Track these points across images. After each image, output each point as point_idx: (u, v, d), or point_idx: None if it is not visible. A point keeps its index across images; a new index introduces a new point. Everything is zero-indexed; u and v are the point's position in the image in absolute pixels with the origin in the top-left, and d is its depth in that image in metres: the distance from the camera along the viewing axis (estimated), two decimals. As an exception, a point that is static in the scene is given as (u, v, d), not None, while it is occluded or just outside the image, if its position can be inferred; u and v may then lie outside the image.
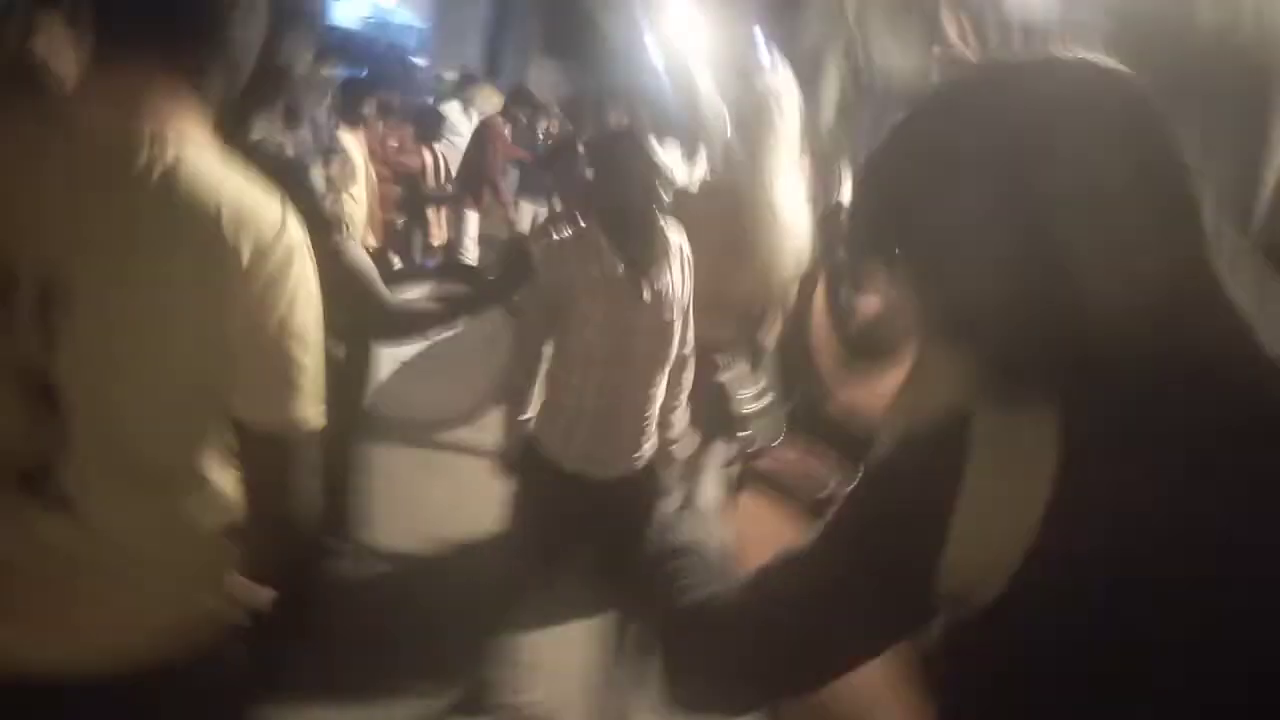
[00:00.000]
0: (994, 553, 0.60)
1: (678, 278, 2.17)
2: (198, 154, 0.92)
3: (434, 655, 2.59)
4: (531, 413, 2.19)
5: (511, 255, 2.07)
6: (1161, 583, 0.58)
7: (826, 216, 2.43)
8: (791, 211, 2.82)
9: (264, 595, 1.30)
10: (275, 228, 0.93)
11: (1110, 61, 0.65)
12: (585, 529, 2.17)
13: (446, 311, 1.79)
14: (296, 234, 0.96)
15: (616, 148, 2.14)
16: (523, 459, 2.18)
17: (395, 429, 3.04)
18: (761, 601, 0.71)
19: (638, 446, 2.21)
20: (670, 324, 2.15)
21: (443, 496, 3.56)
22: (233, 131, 1.03)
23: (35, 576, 0.95)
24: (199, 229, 0.89)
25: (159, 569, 1.01)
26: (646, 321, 2.11)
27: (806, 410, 2.04)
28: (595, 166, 2.27)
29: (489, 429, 4.06)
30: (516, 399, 2.19)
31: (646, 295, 2.09)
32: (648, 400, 2.18)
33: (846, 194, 3.04)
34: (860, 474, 0.71)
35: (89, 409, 0.91)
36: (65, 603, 0.96)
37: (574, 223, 2.35)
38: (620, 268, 2.06)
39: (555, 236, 2.31)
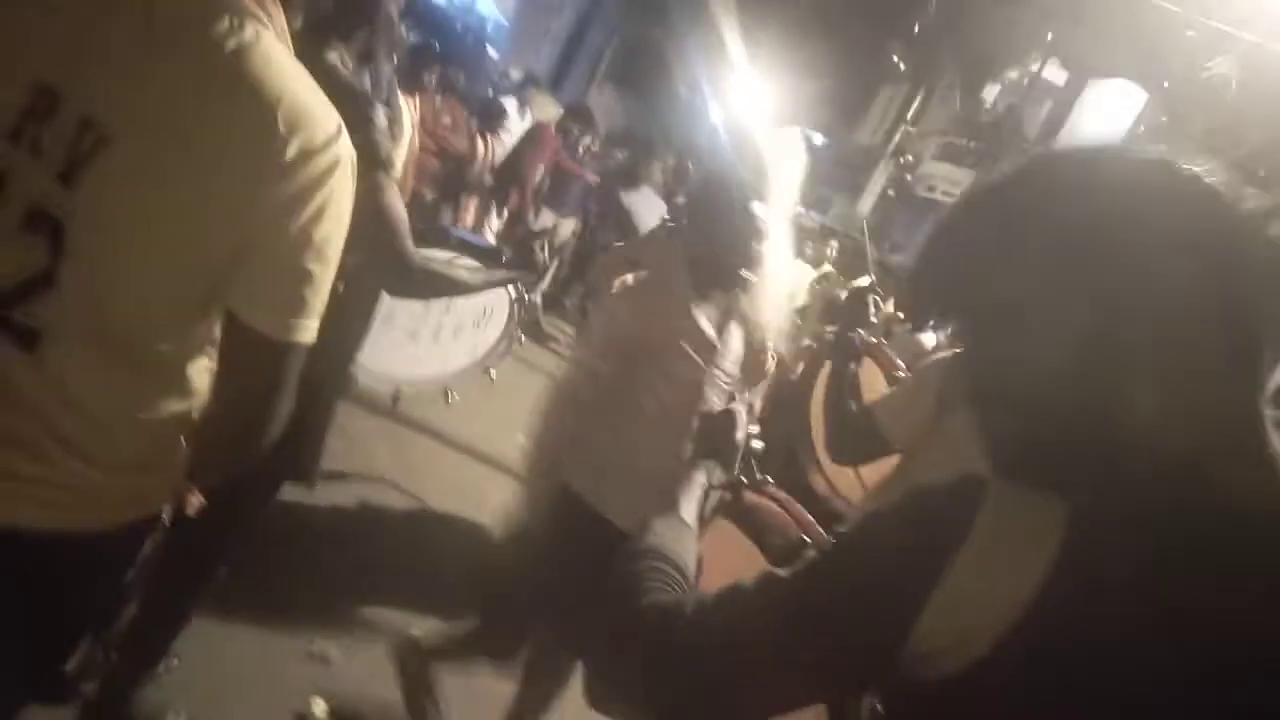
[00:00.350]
0: (976, 619, 0.59)
1: (739, 334, 2.09)
2: (274, 48, 0.92)
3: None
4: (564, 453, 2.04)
5: (528, 249, 2.04)
6: (1144, 685, 0.56)
7: (855, 296, 2.43)
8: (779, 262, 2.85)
9: (195, 502, 1.27)
10: (328, 136, 0.92)
11: (1193, 168, 0.63)
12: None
13: (464, 281, 1.77)
14: (346, 150, 0.95)
15: (722, 195, 2.02)
16: (558, 502, 2.00)
17: (365, 381, 3.02)
18: (725, 623, 0.69)
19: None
20: (730, 380, 2.06)
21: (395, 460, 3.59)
22: (308, 48, 1.03)
23: None
24: (256, 110, 0.88)
25: (111, 447, 0.98)
26: (716, 377, 2.02)
27: (791, 470, 2.03)
28: (697, 211, 2.11)
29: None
30: (556, 440, 2.04)
31: (723, 351, 2.01)
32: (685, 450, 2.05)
33: (866, 281, 3.06)
34: (848, 525, 0.70)
35: (88, 259, 0.89)
36: (11, 450, 0.93)
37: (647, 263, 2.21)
38: (706, 325, 1.98)
39: (627, 280, 2.17)
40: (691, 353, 1.96)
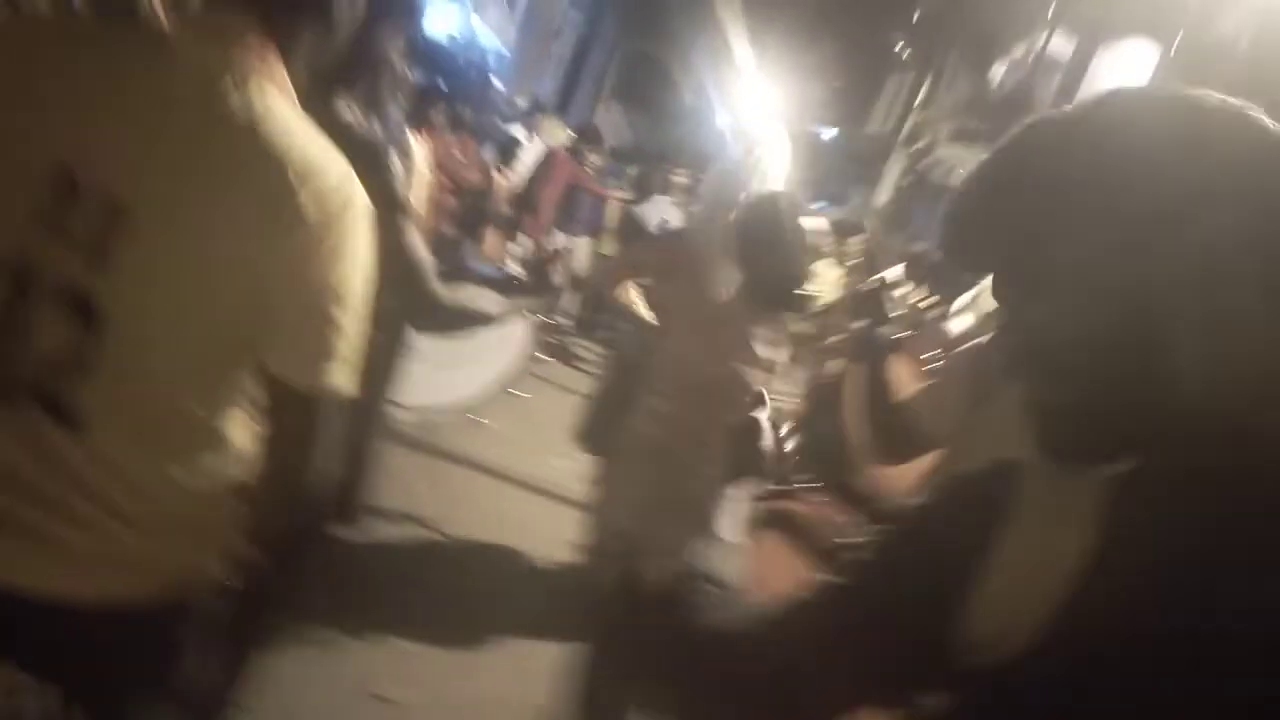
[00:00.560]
0: (1026, 603, 0.58)
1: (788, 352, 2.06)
2: (277, 103, 0.94)
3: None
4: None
5: (542, 272, 2.05)
6: (1192, 661, 0.55)
7: (870, 293, 2.40)
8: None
9: (259, 562, 1.29)
10: (339, 186, 0.94)
11: (1253, 109, 0.59)
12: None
13: (485, 311, 1.79)
14: (359, 197, 0.97)
15: (773, 215, 1.97)
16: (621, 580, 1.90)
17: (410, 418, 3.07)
18: (780, 638, 0.69)
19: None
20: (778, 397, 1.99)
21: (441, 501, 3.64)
22: (314, 101, 1.05)
23: (37, 491, 0.94)
24: (266, 171, 0.90)
25: (159, 514, 1.00)
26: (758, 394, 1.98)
27: (836, 468, 2.00)
28: (750, 235, 2.02)
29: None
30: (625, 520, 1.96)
31: (781, 374, 1.98)
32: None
33: (891, 273, 3.03)
34: (890, 523, 0.69)
35: (123, 337, 0.91)
36: (62, 523, 0.95)
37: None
38: (767, 350, 1.94)
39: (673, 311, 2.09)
40: (751, 381, 1.92)
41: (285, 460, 1.04)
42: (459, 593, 3.13)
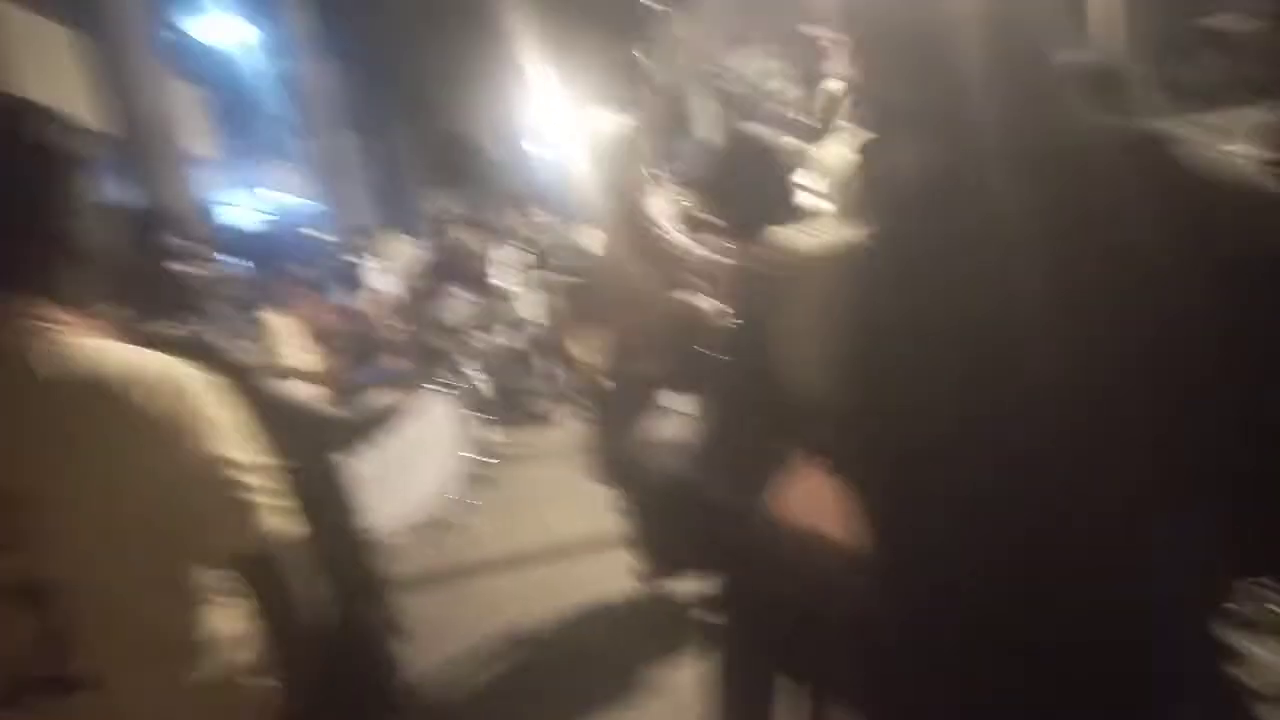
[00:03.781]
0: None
1: None
2: (75, 342, 1.02)
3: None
4: None
5: (425, 347, 2.10)
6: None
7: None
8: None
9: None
10: (170, 378, 1.03)
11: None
12: None
13: (388, 405, 1.87)
14: (189, 378, 1.05)
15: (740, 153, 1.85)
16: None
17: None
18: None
19: None
20: None
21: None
22: (129, 329, 1.13)
23: None
24: (96, 400, 0.98)
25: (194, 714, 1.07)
26: None
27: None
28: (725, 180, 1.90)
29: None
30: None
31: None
32: None
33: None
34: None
35: (86, 595, 0.99)
36: None
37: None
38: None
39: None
40: None
41: (273, 617, 1.11)
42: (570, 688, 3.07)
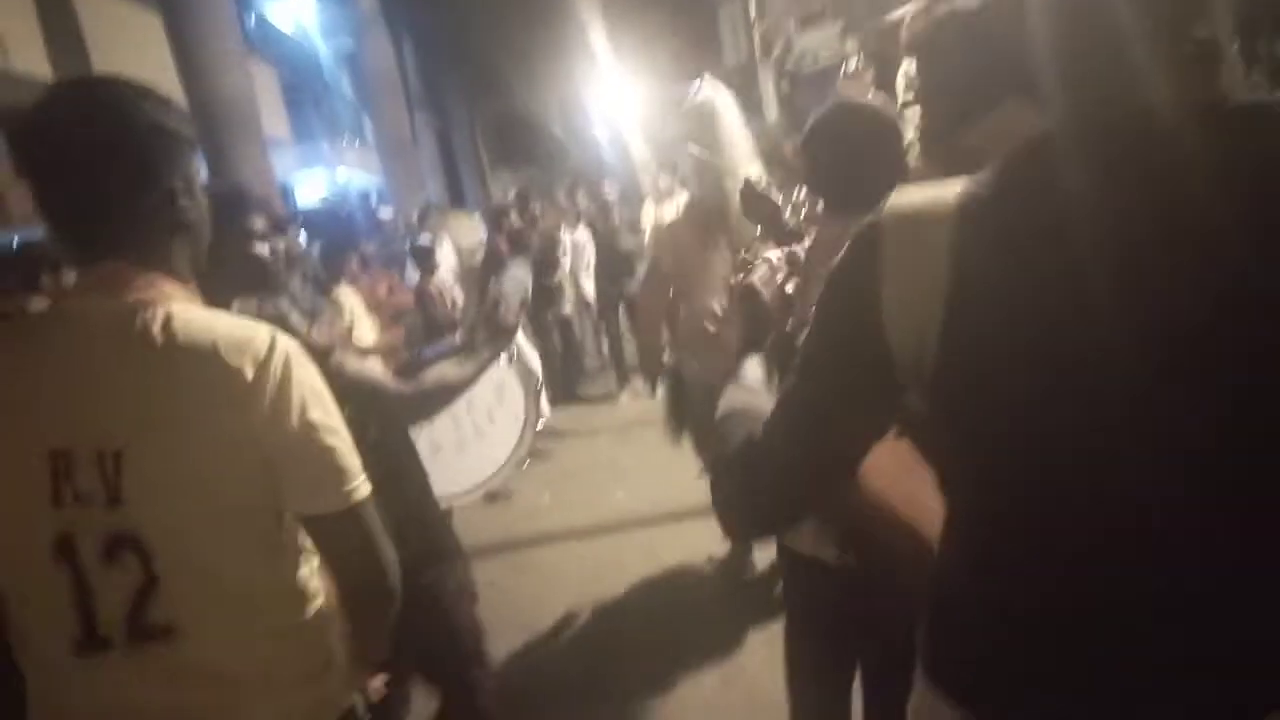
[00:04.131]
0: (924, 313, 0.77)
1: None
2: (183, 309, 1.08)
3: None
4: None
5: (492, 321, 2.12)
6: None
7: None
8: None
9: (378, 685, 1.44)
10: (267, 343, 1.08)
11: None
12: None
13: (457, 379, 1.91)
14: (289, 344, 1.11)
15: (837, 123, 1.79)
16: None
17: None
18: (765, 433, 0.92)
19: None
20: None
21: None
22: (214, 305, 1.18)
23: (175, 709, 1.08)
24: (202, 364, 1.04)
25: (261, 673, 1.12)
26: None
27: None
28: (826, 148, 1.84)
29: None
30: None
31: None
32: None
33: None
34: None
35: (169, 548, 1.05)
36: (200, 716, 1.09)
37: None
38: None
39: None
40: None
41: (352, 577, 1.17)
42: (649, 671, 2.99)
